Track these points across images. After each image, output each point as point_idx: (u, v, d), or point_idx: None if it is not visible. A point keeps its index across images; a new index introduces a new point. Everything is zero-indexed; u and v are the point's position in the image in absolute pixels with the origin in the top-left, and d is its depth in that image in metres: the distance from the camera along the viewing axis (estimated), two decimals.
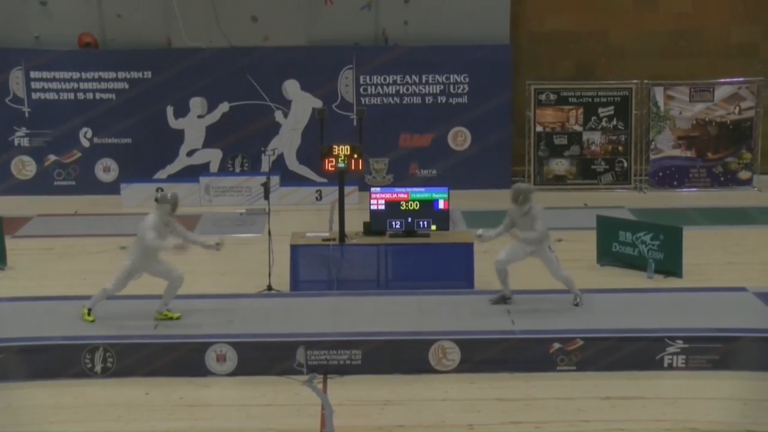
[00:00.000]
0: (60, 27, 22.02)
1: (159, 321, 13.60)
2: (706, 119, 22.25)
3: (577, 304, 14.14)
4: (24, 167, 22.15)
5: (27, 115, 21.99)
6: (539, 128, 22.32)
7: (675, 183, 22.33)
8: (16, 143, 22.07)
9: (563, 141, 22.35)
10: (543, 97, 22.24)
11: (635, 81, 22.11)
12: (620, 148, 22.29)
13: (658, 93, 22.19)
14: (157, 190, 13.37)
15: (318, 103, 20.87)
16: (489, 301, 14.27)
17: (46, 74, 21.91)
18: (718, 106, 22.22)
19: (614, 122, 22.22)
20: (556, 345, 12.95)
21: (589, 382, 12.61)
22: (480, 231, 14.23)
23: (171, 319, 13.66)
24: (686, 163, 22.35)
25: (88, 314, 13.54)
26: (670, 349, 12.91)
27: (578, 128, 22.31)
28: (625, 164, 22.27)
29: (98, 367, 12.86)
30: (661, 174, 22.34)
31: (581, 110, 22.27)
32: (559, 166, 22.40)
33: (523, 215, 13.90)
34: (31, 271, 16.71)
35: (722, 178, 22.39)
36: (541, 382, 12.65)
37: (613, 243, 16.46)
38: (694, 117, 22.25)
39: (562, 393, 12.36)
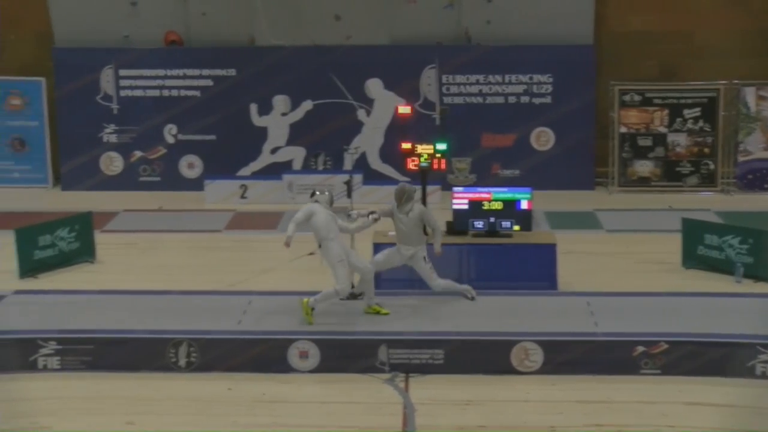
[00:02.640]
0: (147, 26, 22.31)
1: (370, 312, 13.73)
2: None
3: (472, 298, 14.15)
4: (111, 163, 22.49)
5: (115, 112, 22.32)
6: (623, 129, 22.05)
7: (766, 186, 21.84)
8: (104, 140, 22.40)
9: (647, 142, 22.05)
10: (627, 98, 21.97)
11: (723, 81, 21.73)
12: (706, 150, 21.92)
13: (749, 93, 21.76)
14: (312, 195, 13.78)
15: (401, 102, 20.84)
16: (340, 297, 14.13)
17: (133, 72, 22.22)
18: None
19: (700, 124, 21.86)
20: (640, 348, 12.79)
21: (673, 386, 12.44)
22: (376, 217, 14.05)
23: (379, 313, 13.74)
24: None
25: (310, 313, 13.51)
26: (763, 357, 12.62)
27: (663, 130, 21.99)
28: (712, 166, 21.89)
29: (182, 361, 13.00)
30: (750, 176, 21.89)
31: (666, 111, 21.94)
32: (643, 167, 22.11)
33: (404, 214, 13.88)
34: (117, 265, 16.96)
35: None
36: (624, 385, 12.51)
37: (699, 246, 16.20)
38: None
39: (645, 397, 12.20)
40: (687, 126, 21.90)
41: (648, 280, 15.76)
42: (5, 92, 22.58)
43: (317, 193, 13.90)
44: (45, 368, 13.02)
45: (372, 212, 14.05)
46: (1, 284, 15.51)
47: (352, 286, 14.04)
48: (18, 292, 15.07)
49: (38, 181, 22.68)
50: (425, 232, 14.16)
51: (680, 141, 21.96)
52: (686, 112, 21.87)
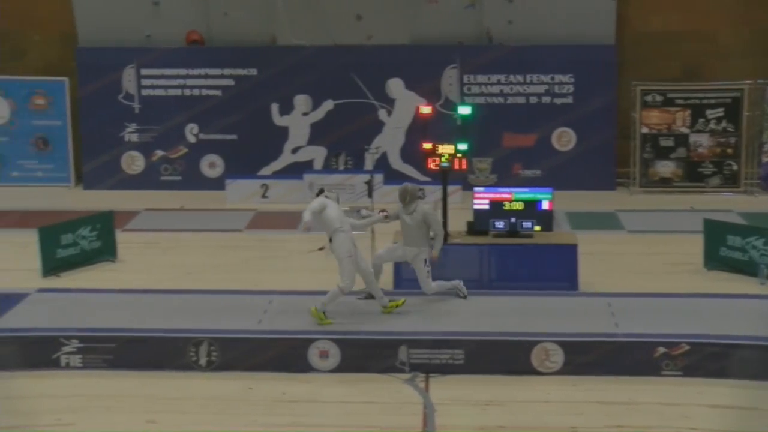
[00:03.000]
0: (169, 25, 22.39)
1: (388, 311, 13.75)
2: None
3: (464, 296, 14.21)
4: (133, 162, 22.57)
5: (137, 111, 22.40)
6: (644, 130, 21.97)
7: None
8: (126, 139, 22.49)
9: (669, 143, 21.95)
10: (649, 98, 21.88)
11: (748, 81, 21.60)
12: (729, 150, 21.80)
13: None
14: (319, 193, 13.86)
15: (422, 102, 20.81)
16: (357, 297, 14.23)
17: (155, 71, 22.30)
18: None
19: (723, 124, 21.76)
20: (661, 349, 12.73)
21: (695, 388, 12.37)
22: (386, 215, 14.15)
23: (398, 306, 13.78)
24: None
25: (323, 317, 13.54)
26: None
27: (685, 130, 21.89)
28: (735, 167, 21.78)
29: (203, 360, 13.03)
30: None
31: (688, 112, 21.84)
32: (665, 168, 22.01)
33: (408, 214, 13.90)
34: (138, 264, 17.01)
35: None
36: (645, 387, 12.45)
37: (721, 247, 16.11)
38: None
39: (666, 398, 12.14)
40: (710, 126, 21.80)
41: (669, 281, 15.70)
42: (30, 92, 22.72)
43: (325, 191, 13.93)
44: (68, 366, 13.09)
45: (383, 210, 14.12)
46: (25, 282, 15.62)
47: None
48: (41, 290, 15.14)
49: (60, 180, 22.80)
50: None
51: (702, 141, 21.86)
52: (709, 113, 21.77)
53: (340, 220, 13.54)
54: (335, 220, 13.52)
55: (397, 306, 13.80)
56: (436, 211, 14.50)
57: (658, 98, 21.90)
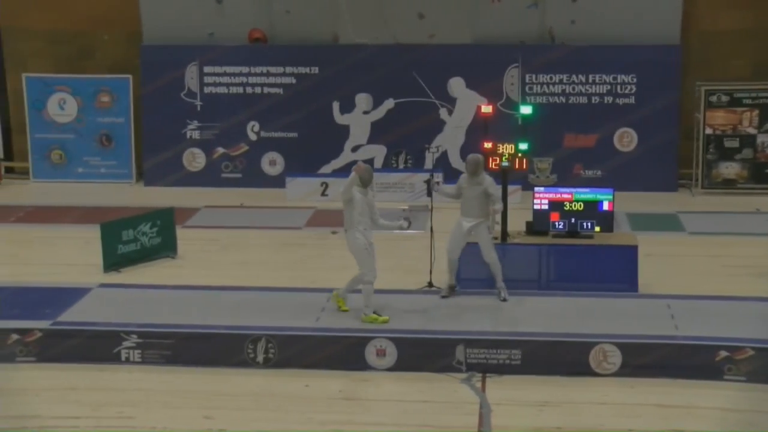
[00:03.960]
0: (232, 23, 22.52)
1: (368, 320, 13.60)
2: None
3: (504, 299, 14.13)
4: (194, 159, 22.75)
5: (199, 108, 22.59)
6: (708, 130, 21.69)
7: None
8: (187, 136, 22.68)
9: (734, 144, 21.65)
10: (714, 98, 21.60)
11: None
12: None
13: None
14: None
15: (483, 101, 20.71)
16: (440, 296, 14.39)
17: (217, 69, 22.47)
18: None
19: None
20: (723, 353, 12.56)
21: (760, 394, 12.17)
22: (437, 181, 14.39)
23: (378, 321, 13.57)
24: None
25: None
26: None
27: (752, 131, 21.57)
28: None
29: (260, 357, 13.10)
30: None
31: (756, 112, 21.52)
32: (729, 169, 21.71)
33: (475, 185, 14.13)
34: (198, 261, 17.13)
35: None
36: (706, 391, 12.30)
37: None
38: None
39: (728, 404, 11.97)
40: None
41: (732, 283, 15.45)
42: (96, 90, 23.03)
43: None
44: (127, 360, 13.24)
45: (406, 217, 14.25)
46: (88, 277, 15.82)
47: (454, 284, 14.13)
48: (102, 285, 15.32)
49: (123, 176, 23.06)
50: None
51: None
52: None
53: (356, 220, 13.51)
54: (349, 220, 13.57)
55: (376, 321, 13.56)
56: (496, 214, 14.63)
57: (724, 98, 21.60)
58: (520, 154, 15.22)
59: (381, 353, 13.01)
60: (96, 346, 13.29)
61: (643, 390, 12.35)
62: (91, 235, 16.86)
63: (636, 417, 11.69)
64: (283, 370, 12.97)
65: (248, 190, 22.04)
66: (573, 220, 15.14)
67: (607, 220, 15.20)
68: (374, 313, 13.55)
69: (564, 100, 21.88)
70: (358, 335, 13.12)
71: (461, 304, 14.17)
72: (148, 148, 22.76)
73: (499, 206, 14.41)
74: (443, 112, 22.03)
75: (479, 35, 22.13)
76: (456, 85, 21.95)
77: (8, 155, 23.92)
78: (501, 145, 15.22)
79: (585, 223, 15.13)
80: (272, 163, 22.62)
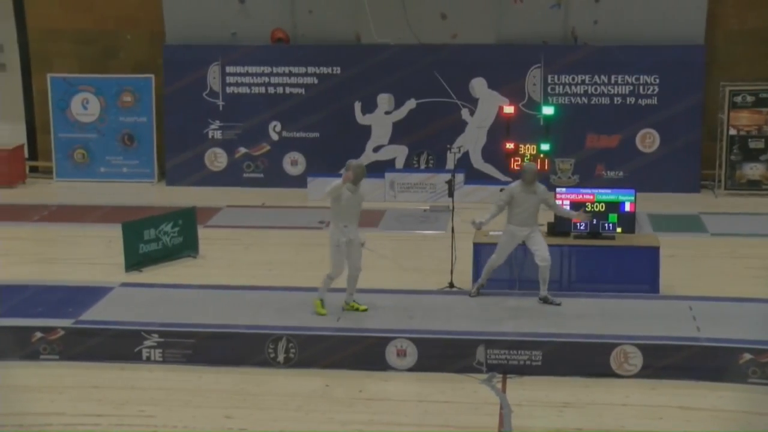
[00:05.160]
0: (255, 23, 22.57)
1: (349, 308, 13.87)
2: None
3: (558, 304, 14.04)
4: (216, 159, 22.81)
5: (221, 108, 22.64)
6: (732, 131, 21.57)
7: None
8: (209, 136, 22.74)
9: (759, 145, 21.52)
10: (738, 99, 21.48)
11: None
12: None
13: None
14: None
15: (505, 102, 20.71)
16: (470, 295, 14.43)
17: (239, 69, 22.52)
18: None
19: None
20: (747, 356, 12.47)
21: None
22: (475, 219, 14.24)
23: (358, 310, 13.86)
24: None
25: (320, 305, 13.86)
26: None
27: None
28: None
29: (281, 357, 13.12)
30: None
31: None
32: (754, 170, 21.58)
33: (531, 194, 13.97)
34: (220, 260, 17.18)
35: None
36: (729, 393, 12.23)
37: None
38: None
39: (753, 407, 11.88)
40: None
41: (756, 285, 15.36)
42: (119, 89, 23.12)
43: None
44: (149, 359, 13.28)
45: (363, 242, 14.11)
46: (110, 276, 15.90)
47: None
48: (124, 284, 15.38)
49: (144, 176, 23.15)
50: None
51: None
52: None
53: (339, 216, 13.63)
54: (332, 215, 13.78)
55: (356, 309, 13.85)
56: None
57: (749, 99, 21.47)
58: (541, 155, 15.18)
59: (401, 353, 13.00)
60: (118, 345, 13.34)
61: (665, 392, 12.29)
62: (114, 235, 16.95)
63: (657, 419, 11.64)
64: (303, 369, 12.99)
65: (270, 189, 22.09)
66: (595, 221, 15.09)
67: (629, 221, 15.15)
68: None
69: (586, 101, 21.81)
70: (379, 335, 13.11)
71: (481, 304, 14.14)
72: (171, 148, 22.83)
73: (584, 213, 14.44)
74: (465, 113, 21.99)
75: (502, 35, 22.08)
76: (478, 86, 21.91)
77: (33, 155, 24.09)
78: (523, 146, 15.18)
79: (607, 224, 15.09)
80: (294, 163, 22.65)
